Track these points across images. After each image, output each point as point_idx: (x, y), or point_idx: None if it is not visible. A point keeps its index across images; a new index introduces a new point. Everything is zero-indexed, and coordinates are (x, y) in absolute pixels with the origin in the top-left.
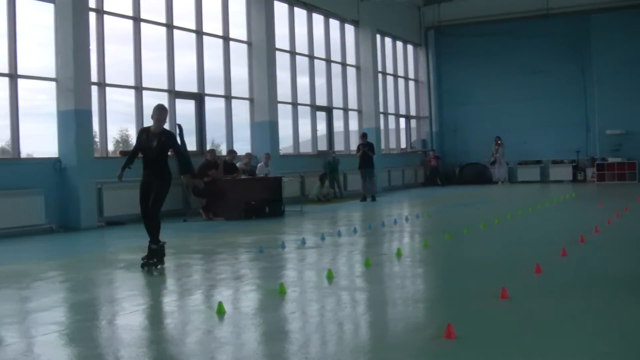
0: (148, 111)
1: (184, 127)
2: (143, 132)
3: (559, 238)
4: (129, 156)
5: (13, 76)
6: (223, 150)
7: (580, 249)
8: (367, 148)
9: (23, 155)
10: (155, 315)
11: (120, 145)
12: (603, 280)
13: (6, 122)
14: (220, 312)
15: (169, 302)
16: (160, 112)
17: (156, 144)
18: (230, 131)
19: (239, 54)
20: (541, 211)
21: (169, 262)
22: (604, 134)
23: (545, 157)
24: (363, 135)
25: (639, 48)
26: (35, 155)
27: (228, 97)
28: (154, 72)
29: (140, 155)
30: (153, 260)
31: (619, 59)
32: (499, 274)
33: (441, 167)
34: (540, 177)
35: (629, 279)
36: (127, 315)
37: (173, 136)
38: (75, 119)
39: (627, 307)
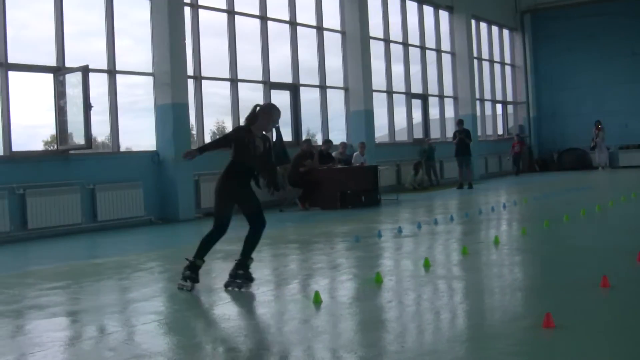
0: (244, 104)
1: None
2: (243, 131)
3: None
4: (215, 142)
5: (112, 72)
6: (319, 140)
7: None
8: (463, 135)
9: (122, 149)
10: (252, 305)
11: (217, 137)
12: None
13: (106, 117)
14: (317, 301)
15: (266, 291)
16: (278, 113)
17: (263, 150)
18: (325, 121)
19: (333, 43)
20: (610, 209)
21: (265, 253)
22: None
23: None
24: (459, 122)
25: None
26: (134, 149)
27: (323, 87)
28: (249, 64)
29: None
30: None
31: None
32: (599, 262)
33: (531, 153)
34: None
35: None
36: (225, 305)
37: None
38: (173, 112)
39: None
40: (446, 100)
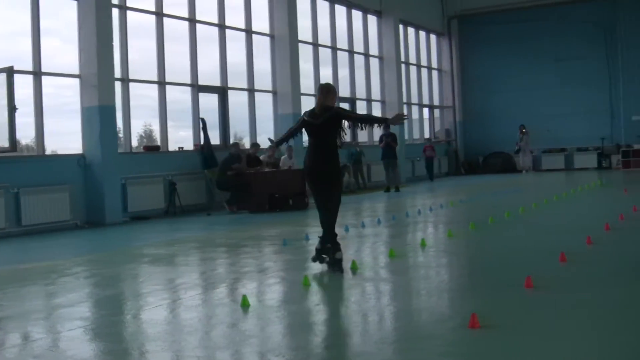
0: (172, 106)
1: (207, 121)
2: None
3: (585, 226)
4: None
5: (37, 73)
6: (247, 143)
7: (606, 236)
8: (390, 139)
9: (48, 152)
10: (180, 309)
11: (144, 140)
12: (629, 268)
13: (31, 119)
14: (245, 305)
15: (194, 295)
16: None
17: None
18: (253, 124)
19: (262, 46)
20: (566, 199)
21: (193, 257)
22: (629, 121)
23: (570, 144)
24: (386, 126)
25: None
26: (60, 152)
27: (251, 90)
28: (178, 66)
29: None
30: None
31: None
32: (524, 263)
33: (457, 156)
34: (565, 165)
35: None
36: (152, 310)
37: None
38: (99, 114)
39: None
40: (374, 104)
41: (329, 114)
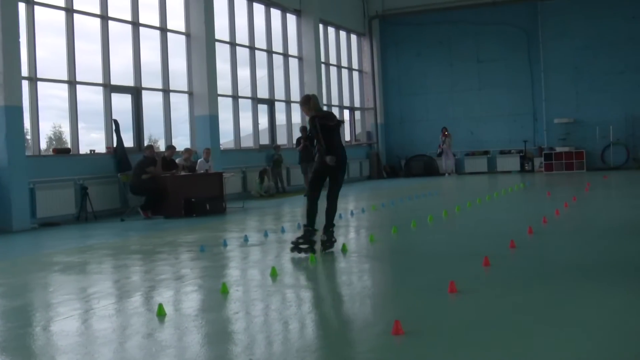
0: (83, 107)
1: (120, 122)
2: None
3: (508, 230)
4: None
5: None
6: (162, 146)
7: (529, 240)
8: (308, 142)
9: None
10: (92, 320)
11: (54, 143)
12: (552, 271)
13: None
14: (161, 314)
15: (107, 305)
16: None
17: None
18: (169, 126)
19: (177, 45)
20: (489, 203)
21: (106, 264)
22: (551, 123)
23: (493, 147)
24: (304, 129)
25: (586, 36)
26: None
27: (166, 91)
28: (89, 65)
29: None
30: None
31: (567, 47)
32: (447, 267)
33: (379, 160)
34: (488, 168)
35: (576, 269)
36: (63, 321)
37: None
38: (5, 116)
39: (575, 296)
40: (293, 105)
41: (337, 118)
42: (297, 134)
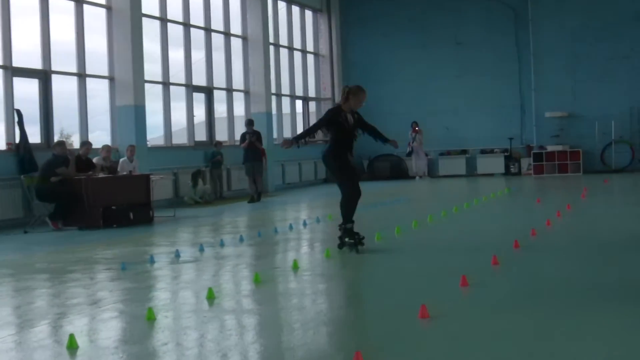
0: None
1: (24, 113)
2: (335, 111)
3: (490, 243)
4: (312, 129)
5: None
6: (76, 142)
7: (514, 255)
8: (254, 137)
9: None
10: None
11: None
12: (540, 292)
13: None
14: (72, 346)
15: (5, 337)
16: (365, 94)
17: (354, 122)
18: (84, 118)
19: (96, 21)
20: (468, 212)
21: (5, 287)
22: (542, 117)
23: (473, 145)
24: (249, 122)
25: (584, 14)
26: None
27: (82, 75)
28: None
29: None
30: (358, 236)
31: (561, 27)
32: (418, 288)
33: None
34: (467, 170)
35: (570, 290)
36: None
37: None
38: None
39: (567, 324)
40: (235, 94)
41: (357, 117)
42: (240, 128)
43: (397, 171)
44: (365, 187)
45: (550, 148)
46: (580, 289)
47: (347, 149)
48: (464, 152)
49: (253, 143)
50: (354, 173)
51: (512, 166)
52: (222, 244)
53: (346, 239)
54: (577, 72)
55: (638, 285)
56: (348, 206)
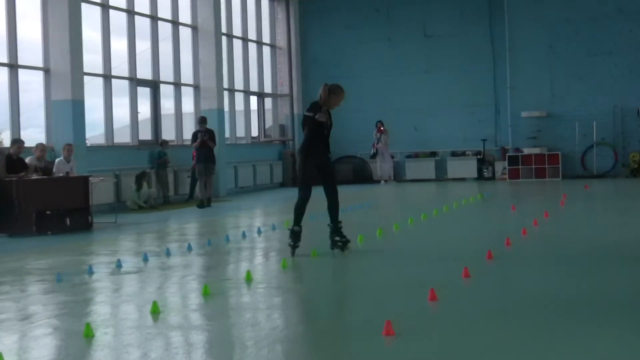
0: None
1: None
2: (320, 107)
3: (461, 254)
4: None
5: None
6: (6, 140)
7: (487, 267)
8: (206, 137)
9: None
10: None
11: None
12: (514, 307)
13: None
14: None
15: None
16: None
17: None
18: (16, 114)
19: (28, 5)
20: (437, 219)
21: None
22: (518, 117)
23: (443, 147)
24: (201, 120)
25: (565, 6)
26: None
27: (13, 66)
28: None
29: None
30: (344, 239)
31: (539, 20)
32: (382, 303)
33: (295, 163)
34: (436, 175)
35: (547, 305)
36: None
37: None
38: None
39: (543, 340)
40: (184, 89)
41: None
42: (190, 126)
43: (361, 174)
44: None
45: (526, 151)
46: (557, 305)
47: (323, 146)
48: (433, 154)
49: (206, 142)
50: (323, 176)
51: (485, 170)
52: (168, 253)
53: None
54: (556, 68)
55: (617, 301)
56: (300, 210)
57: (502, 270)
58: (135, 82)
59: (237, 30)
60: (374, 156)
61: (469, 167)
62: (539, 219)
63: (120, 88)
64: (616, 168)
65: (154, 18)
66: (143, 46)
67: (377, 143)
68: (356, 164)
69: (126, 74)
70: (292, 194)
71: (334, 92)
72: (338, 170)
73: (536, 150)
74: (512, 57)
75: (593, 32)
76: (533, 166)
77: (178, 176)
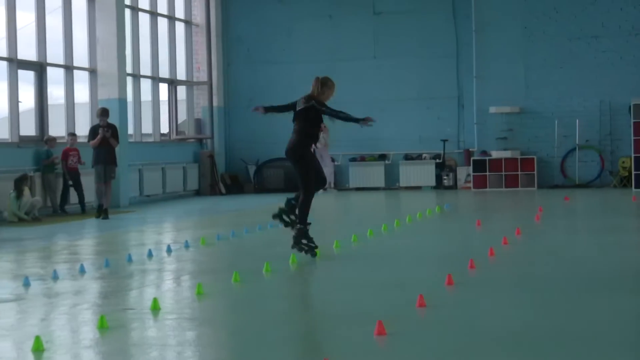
0: None
1: None
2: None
3: (415, 279)
4: (282, 107)
5: None
6: None
7: (446, 295)
8: (109, 133)
9: None
10: None
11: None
12: (477, 343)
13: None
14: None
15: None
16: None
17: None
18: None
19: None
20: (387, 237)
21: None
22: (485, 114)
23: (394, 149)
24: (103, 112)
25: None
26: None
27: None
28: None
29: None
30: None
31: None
32: (317, 337)
33: (214, 166)
34: (386, 182)
35: (515, 340)
36: None
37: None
38: None
39: None
40: (77, 74)
41: (308, 105)
42: (83, 119)
43: (294, 181)
44: (250, 201)
45: (495, 154)
46: (530, 338)
47: (315, 141)
48: (382, 157)
49: (107, 140)
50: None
51: (445, 177)
52: (55, 277)
53: (304, 241)
54: (532, 54)
55: (594, 339)
56: (308, 206)
57: (463, 299)
58: (15, 63)
59: (143, 2)
60: None
61: (425, 174)
62: (510, 238)
63: None
64: (603, 176)
65: None
66: (25, 19)
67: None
68: (288, 168)
69: (4, 54)
70: (211, 204)
71: (326, 84)
72: (266, 177)
73: (507, 154)
74: (480, 40)
75: (576, 11)
76: (503, 173)
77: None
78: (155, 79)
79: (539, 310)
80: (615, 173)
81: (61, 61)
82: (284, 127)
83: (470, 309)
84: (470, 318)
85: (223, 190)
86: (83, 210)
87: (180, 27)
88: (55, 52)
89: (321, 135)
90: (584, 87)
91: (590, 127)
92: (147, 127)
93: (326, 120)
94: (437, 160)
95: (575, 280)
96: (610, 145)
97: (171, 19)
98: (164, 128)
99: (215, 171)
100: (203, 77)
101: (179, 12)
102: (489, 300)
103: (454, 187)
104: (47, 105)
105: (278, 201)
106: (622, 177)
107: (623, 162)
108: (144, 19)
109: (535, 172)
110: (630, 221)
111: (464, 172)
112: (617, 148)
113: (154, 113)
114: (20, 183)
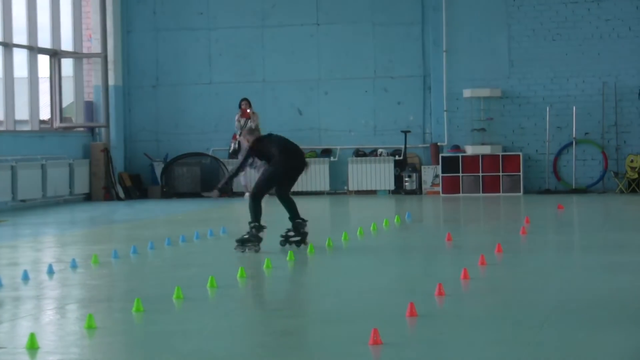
0: None
1: None
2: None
3: (368, 310)
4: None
5: None
6: None
7: (407, 330)
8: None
9: None
10: None
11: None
12: None
13: None
14: None
15: None
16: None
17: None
18: None
19: None
20: (330, 256)
21: None
22: (458, 98)
23: (342, 143)
24: None
25: None
26: None
27: None
28: None
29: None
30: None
31: None
32: None
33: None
34: (331, 184)
35: None
36: None
37: None
38: None
39: None
40: None
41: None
42: None
43: (212, 183)
44: (156, 209)
45: (470, 150)
46: None
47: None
48: (326, 153)
49: None
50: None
51: (407, 179)
52: None
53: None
54: (516, 24)
55: None
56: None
57: (430, 335)
58: None
59: None
60: (234, 153)
61: (381, 175)
62: (488, 256)
63: None
64: (606, 179)
65: None
66: None
67: (240, 134)
68: (205, 167)
69: None
70: (105, 212)
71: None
72: (178, 176)
73: (485, 150)
74: (451, 6)
75: None
76: (480, 174)
77: None
78: (33, 49)
79: (523, 350)
80: (621, 175)
81: None
82: (199, 111)
83: (436, 348)
84: (446, 343)
85: (121, 194)
86: None
87: None
88: None
89: (248, 122)
90: (582, 65)
91: (590, 117)
92: (22, 112)
93: (255, 103)
94: (397, 158)
95: (569, 311)
96: (616, 140)
97: None
98: (45, 113)
99: (112, 170)
100: (96, 47)
101: None
102: (460, 336)
103: (417, 191)
104: None
105: (191, 208)
106: (630, 179)
107: (631, 161)
108: None
109: (520, 174)
110: (638, 237)
111: (430, 173)
112: (623, 143)
113: (31, 94)
114: None
